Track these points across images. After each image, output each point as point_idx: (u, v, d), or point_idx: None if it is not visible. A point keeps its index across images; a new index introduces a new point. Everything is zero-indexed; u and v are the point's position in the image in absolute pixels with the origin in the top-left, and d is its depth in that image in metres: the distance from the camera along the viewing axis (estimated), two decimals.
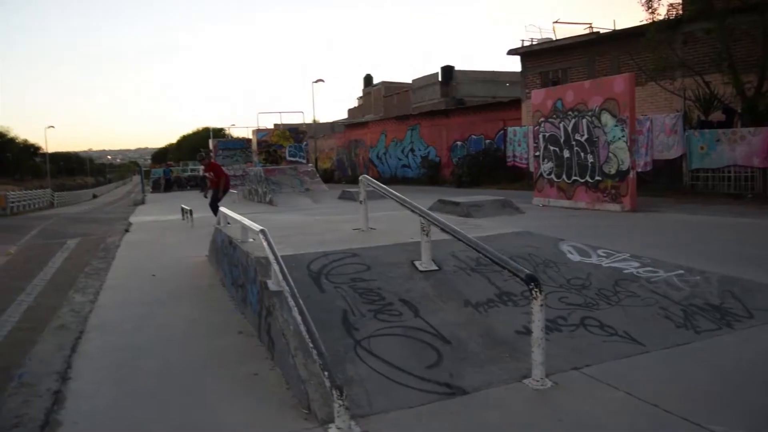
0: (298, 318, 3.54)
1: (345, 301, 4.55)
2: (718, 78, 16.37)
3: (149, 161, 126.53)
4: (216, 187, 13.35)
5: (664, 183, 16.83)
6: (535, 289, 3.54)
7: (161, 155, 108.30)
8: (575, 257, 5.88)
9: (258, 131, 29.08)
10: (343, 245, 5.67)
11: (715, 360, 4.01)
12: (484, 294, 4.88)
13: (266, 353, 4.38)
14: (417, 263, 5.22)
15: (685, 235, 9.18)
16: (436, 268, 5.18)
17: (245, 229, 5.80)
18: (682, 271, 5.62)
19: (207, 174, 13.99)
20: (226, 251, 6.55)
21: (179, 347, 4.72)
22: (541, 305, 3.54)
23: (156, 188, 40.08)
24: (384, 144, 34.55)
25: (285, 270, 4.03)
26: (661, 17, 17.41)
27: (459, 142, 28.42)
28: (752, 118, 15.29)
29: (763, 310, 4.90)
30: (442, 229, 4.70)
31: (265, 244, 4.45)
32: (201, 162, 14.90)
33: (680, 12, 17.45)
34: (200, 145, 51.90)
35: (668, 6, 17.70)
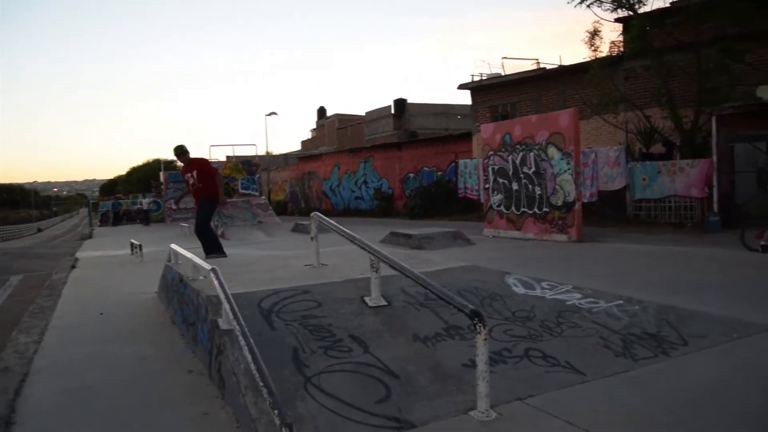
0: (248, 356, 3.59)
1: (295, 338, 4.61)
2: (658, 112, 17.16)
3: (97, 193, 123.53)
4: (204, 195, 8.92)
5: (609, 213, 17.42)
6: (479, 324, 3.67)
7: (110, 187, 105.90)
8: (520, 290, 6.07)
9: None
10: (295, 282, 5.73)
11: (652, 387, 4.19)
12: (433, 328, 5.00)
13: (217, 392, 4.38)
14: (367, 299, 5.32)
15: (626, 264, 9.52)
16: (386, 303, 5.29)
17: (196, 266, 5.82)
18: (621, 301, 5.86)
19: (187, 176, 9.30)
20: (177, 289, 6.53)
21: (128, 387, 4.68)
22: (485, 339, 3.67)
23: (104, 222, 39.33)
24: (337, 176, 34.73)
25: (236, 308, 4.08)
26: (603, 54, 18.22)
27: (411, 174, 28.81)
28: (690, 151, 16.02)
29: (696, 336, 5.15)
30: (391, 266, 4.83)
31: (216, 283, 4.49)
32: (180, 158, 9.51)
33: (621, 50, 18.27)
34: (151, 177, 51.09)
35: (610, 44, 18.57)
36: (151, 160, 78.41)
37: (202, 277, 5.79)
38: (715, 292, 6.98)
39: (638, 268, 9.03)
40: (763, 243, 10.28)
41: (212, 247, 9.18)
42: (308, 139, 55.18)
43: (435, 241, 12.50)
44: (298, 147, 56.70)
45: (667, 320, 5.46)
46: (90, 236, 27.70)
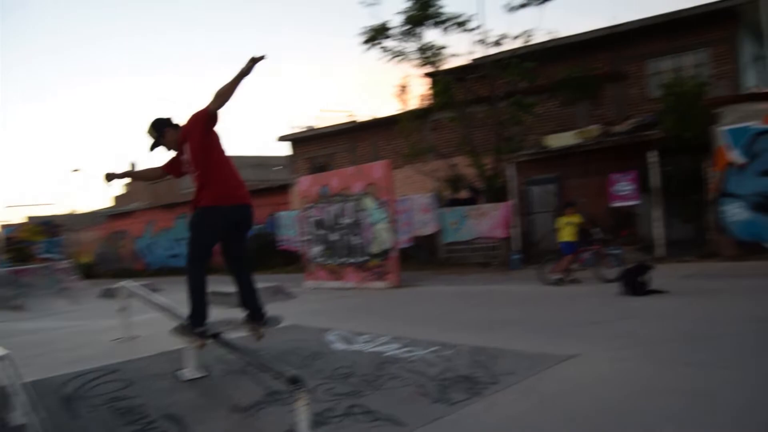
0: None
1: (103, 425, 4.26)
2: (463, 160, 18.43)
3: None
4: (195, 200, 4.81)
5: (424, 257, 18.30)
6: (299, 390, 3.64)
7: None
8: (340, 346, 6.14)
9: (4, 227, 26.22)
10: (101, 361, 5.33)
11: (467, 429, 4.39)
12: (253, 396, 4.88)
13: None
14: (183, 372, 5.07)
15: (442, 307, 10.01)
16: (203, 374, 5.08)
17: None
18: (437, 347, 6.13)
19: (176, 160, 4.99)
20: None
21: None
22: (306, 404, 3.65)
23: None
24: (151, 234, 33.01)
25: (30, 400, 3.69)
26: (412, 107, 19.29)
27: None
28: (492, 196, 17.40)
29: (505, 374, 5.49)
30: None
31: (4, 373, 4.03)
32: (168, 144, 4.91)
33: (429, 102, 19.48)
34: None
35: (419, 97, 19.71)
36: None
37: None
38: (520, 327, 7.55)
39: (453, 310, 9.53)
40: (556, 277, 11.35)
41: (192, 315, 4.82)
42: (121, 195, 52.01)
43: None
44: (110, 203, 53.16)
45: (478, 361, 5.78)
46: None
